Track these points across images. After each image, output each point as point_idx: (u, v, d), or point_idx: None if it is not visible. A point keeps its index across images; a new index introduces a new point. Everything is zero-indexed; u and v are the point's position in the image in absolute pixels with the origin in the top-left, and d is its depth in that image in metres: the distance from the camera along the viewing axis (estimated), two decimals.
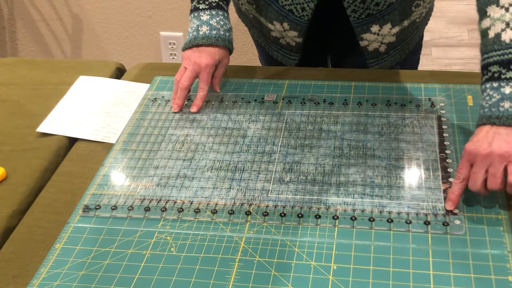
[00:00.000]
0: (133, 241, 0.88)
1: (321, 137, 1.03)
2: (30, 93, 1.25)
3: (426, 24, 1.26)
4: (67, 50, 2.60)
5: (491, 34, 0.89)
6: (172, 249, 0.86)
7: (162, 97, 1.18)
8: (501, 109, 0.85)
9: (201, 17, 1.13)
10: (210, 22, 1.12)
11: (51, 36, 2.57)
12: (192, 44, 1.12)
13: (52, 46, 2.60)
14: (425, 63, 2.70)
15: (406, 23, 1.15)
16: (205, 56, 1.11)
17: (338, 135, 1.03)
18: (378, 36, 1.15)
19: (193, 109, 1.12)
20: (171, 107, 1.14)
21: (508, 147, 0.83)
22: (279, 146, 1.02)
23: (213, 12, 1.13)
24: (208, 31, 1.12)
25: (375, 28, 1.13)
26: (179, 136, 1.07)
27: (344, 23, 1.15)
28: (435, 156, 0.97)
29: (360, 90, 1.14)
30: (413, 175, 0.93)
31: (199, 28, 1.12)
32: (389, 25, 1.13)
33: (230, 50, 1.16)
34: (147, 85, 1.23)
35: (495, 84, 0.87)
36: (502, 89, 0.86)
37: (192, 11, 1.15)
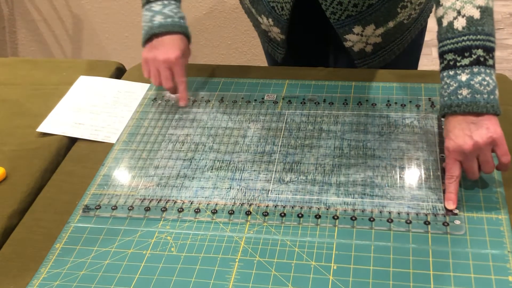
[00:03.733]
0: (133, 241, 0.88)
1: (321, 137, 1.03)
2: (30, 93, 1.25)
3: (422, 25, 1.25)
4: (67, 50, 2.60)
5: (444, 22, 0.90)
6: (172, 249, 0.86)
7: (162, 97, 1.18)
8: (459, 96, 0.86)
9: (152, 8, 1.13)
10: (163, 11, 1.12)
11: (51, 36, 2.57)
12: (149, 34, 1.11)
13: (52, 46, 2.60)
14: (425, 63, 2.69)
15: (391, 24, 1.14)
16: (170, 50, 1.10)
17: (338, 135, 1.03)
18: (361, 37, 1.15)
19: (182, 103, 1.12)
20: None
21: (488, 132, 0.85)
22: (279, 146, 1.02)
23: (165, 2, 1.13)
24: (163, 19, 1.11)
25: (357, 29, 1.13)
26: (179, 136, 1.07)
27: (329, 24, 1.15)
28: (435, 156, 0.97)
29: (360, 90, 1.14)
30: (413, 175, 0.93)
31: (153, 19, 1.12)
32: (372, 26, 1.13)
33: (188, 38, 1.15)
34: (147, 85, 1.23)
35: (451, 72, 0.88)
36: (458, 77, 0.87)
37: (143, 5, 1.15)
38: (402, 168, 0.95)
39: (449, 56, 0.88)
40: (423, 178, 0.93)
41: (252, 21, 1.30)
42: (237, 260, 0.83)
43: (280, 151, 1.01)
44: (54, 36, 2.57)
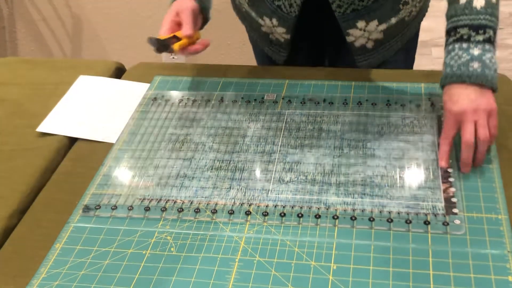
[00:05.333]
0: (133, 241, 0.88)
1: (321, 137, 1.03)
2: (30, 93, 1.25)
3: (419, 23, 1.25)
4: (67, 50, 2.60)
5: (462, 0, 0.96)
6: (172, 249, 0.86)
7: (162, 96, 1.18)
8: (470, 68, 0.93)
9: None
10: None
11: (51, 36, 2.57)
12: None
13: (52, 46, 2.60)
14: (425, 63, 2.69)
15: (393, 20, 1.15)
16: (185, 1, 1.11)
17: (338, 135, 1.03)
18: (364, 32, 1.15)
19: (189, 50, 1.09)
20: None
21: (489, 102, 0.93)
22: (279, 146, 1.02)
23: None
24: None
25: (361, 24, 1.13)
26: (179, 135, 1.07)
27: (332, 20, 1.15)
28: (435, 156, 0.97)
29: (360, 90, 1.14)
30: (413, 175, 0.93)
31: None
32: (375, 22, 1.13)
33: (202, 10, 1.14)
34: (147, 85, 1.23)
35: (464, 45, 0.95)
36: (471, 50, 0.94)
37: None
38: (402, 168, 0.95)
39: (464, 31, 0.95)
40: (423, 178, 0.93)
41: (249, 25, 1.29)
42: (237, 260, 0.83)
43: (280, 151, 1.01)
44: (54, 36, 2.57)
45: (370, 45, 1.19)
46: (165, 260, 0.84)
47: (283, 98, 1.14)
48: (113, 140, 1.09)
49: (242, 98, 1.15)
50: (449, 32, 0.98)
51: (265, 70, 1.25)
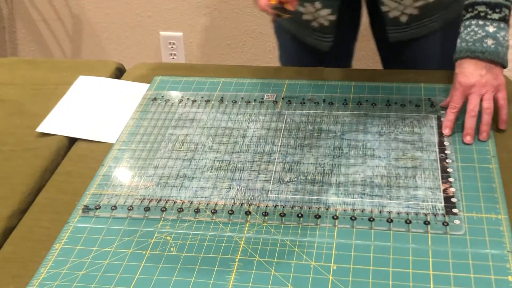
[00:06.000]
0: (133, 241, 0.88)
1: (321, 137, 1.03)
2: (30, 93, 1.25)
3: (460, 10, 1.21)
4: (67, 50, 2.60)
5: None
6: (172, 249, 0.86)
7: (162, 97, 1.18)
8: (484, 45, 0.99)
9: None
10: None
11: (51, 36, 2.57)
12: None
13: (52, 46, 2.60)
14: None
15: None
16: None
17: (338, 135, 1.03)
18: (399, 5, 1.15)
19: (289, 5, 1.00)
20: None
21: (497, 77, 1.00)
22: (279, 146, 1.02)
23: None
24: None
25: None
26: (179, 136, 1.07)
27: None
28: (435, 156, 0.97)
29: (360, 90, 1.14)
30: (412, 175, 0.93)
31: None
32: None
33: None
34: (147, 85, 1.23)
35: (480, 22, 1.01)
36: (486, 28, 1.00)
37: None
38: (402, 168, 0.95)
39: (481, 8, 1.01)
40: (423, 178, 0.93)
41: (285, 20, 1.26)
42: (236, 260, 0.83)
43: (279, 151, 1.01)
44: (53, 36, 2.57)
45: (404, 18, 1.18)
46: (165, 260, 0.84)
47: (283, 98, 1.14)
48: (113, 140, 1.09)
49: (242, 98, 1.15)
50: (467, 8, 1.03)
51: (265, 70, 1.25)
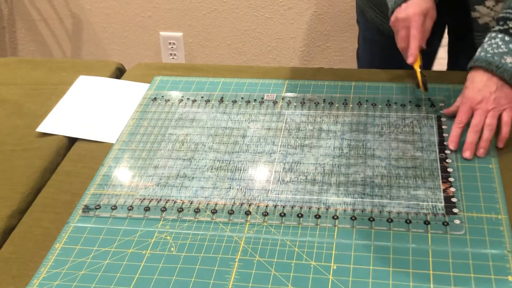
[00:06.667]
0: (133, 241, 0.88)
1: (321, 137, 1.03)
2: (30, 93, 1.25)
3: None
4: (67, 50, 2.60)
5: None
6: (172, 249, 0.86)
7: (162, 96, 1.18)
8: (502, 61, 0.97)
9: None
10: None
11: (51, 36, 2.57)
12: (397, 3, 1.06)
13: (52, 46, 2.60)
14: None
15: None
16: (411, 7, 1.05)
17: (338, 135, 1.03)
18: (491, 11, 1.14)
19: (409, 59, 1.05)
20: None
21: (507, 98, 0.97)
22: (279, 146, 1.02)
23: None
24: None
25: (489, 2, 1.12)
26: (179, 135, 1.07)
27: None
28: (435, 156, 0.97)
29: (360, 90, 1.14)
30: (412, 175, 0.93)
31: None
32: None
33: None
34: (147, 85, 1.23)
35: (507, 38, 0.98)
36: (511, 45, 0.97)
37: None
38: (402, 168, 0.95)
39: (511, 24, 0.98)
40: (422, 178, 0.93)
41: (378, 12, 1.24)
42: (237, 260, 0.83)
43: (280, 151, 1.01)
44: (53, 36, 2.57)
45: (493, 24, 1.17)
46: (165, 260, 0.84)
47: (282, 98, 1.14)
48: (113, 140, 1.09)
49: (242, 98, 1.15)
50: (498, 20, 1.01)
51: (265, 70, 1.25)
